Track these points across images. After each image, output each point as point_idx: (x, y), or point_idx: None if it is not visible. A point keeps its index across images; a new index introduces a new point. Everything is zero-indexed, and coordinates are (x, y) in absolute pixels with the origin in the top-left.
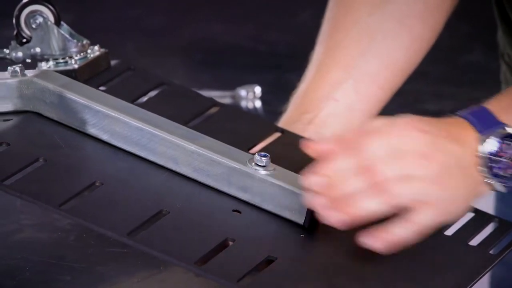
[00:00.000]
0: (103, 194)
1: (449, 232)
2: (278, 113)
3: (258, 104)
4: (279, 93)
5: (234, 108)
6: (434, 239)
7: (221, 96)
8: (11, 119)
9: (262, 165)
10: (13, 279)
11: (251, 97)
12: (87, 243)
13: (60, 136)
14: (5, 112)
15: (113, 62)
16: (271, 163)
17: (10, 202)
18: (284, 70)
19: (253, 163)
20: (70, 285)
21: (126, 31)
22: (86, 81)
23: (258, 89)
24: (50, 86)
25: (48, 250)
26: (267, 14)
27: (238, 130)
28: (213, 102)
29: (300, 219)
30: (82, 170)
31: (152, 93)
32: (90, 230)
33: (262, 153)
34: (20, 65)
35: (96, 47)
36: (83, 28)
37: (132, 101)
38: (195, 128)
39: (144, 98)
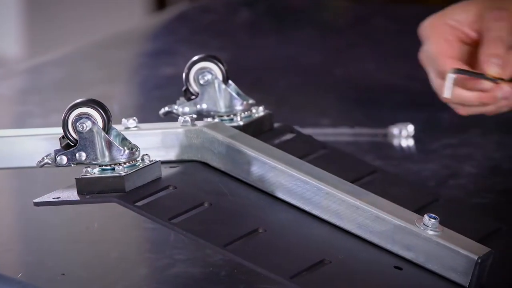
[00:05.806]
0: (266, 240)
1: None
2: (431, 152)
3: (410, 142)
4: (432, 132)
5: (394, 176)
6: None
7: (373, 134)
8: (177, 167)
9: (430, 226)
10: None
11: (404, 135)
12: (238, 279)
13: (225, 185)
14: (173, 161)
15: (276, 125)
16: (439, 225)
17: (163, 238)
18: (437, 108)
19: (421, 223)
20: None
21: (280, 69)
22: None
23: (411, 128)
24: (220, 136)
25: (200, 285)
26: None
27: (399, 196)
28: (373, 168)
29: (465, 281)
30: (246, 216)
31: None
32: (241, 266)
33: (432, 215)
34: (191, 115)
35: (261, 108)
36: (238, 65)
37: None
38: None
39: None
